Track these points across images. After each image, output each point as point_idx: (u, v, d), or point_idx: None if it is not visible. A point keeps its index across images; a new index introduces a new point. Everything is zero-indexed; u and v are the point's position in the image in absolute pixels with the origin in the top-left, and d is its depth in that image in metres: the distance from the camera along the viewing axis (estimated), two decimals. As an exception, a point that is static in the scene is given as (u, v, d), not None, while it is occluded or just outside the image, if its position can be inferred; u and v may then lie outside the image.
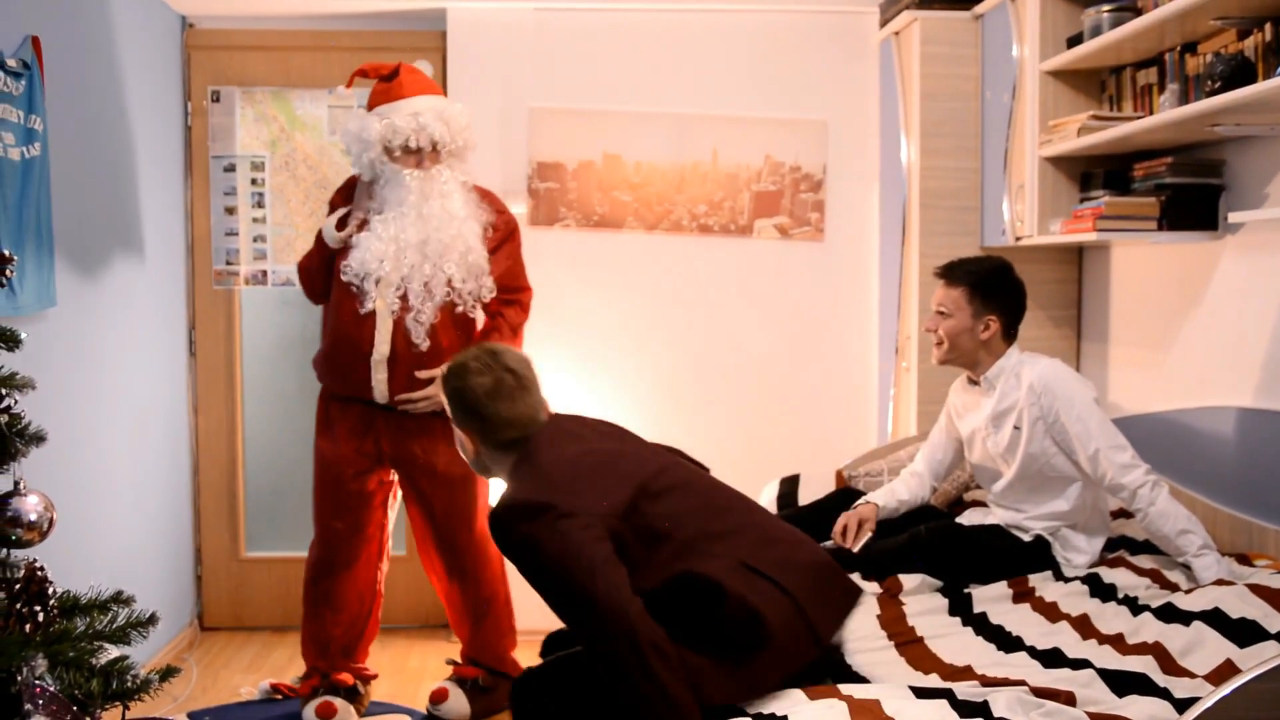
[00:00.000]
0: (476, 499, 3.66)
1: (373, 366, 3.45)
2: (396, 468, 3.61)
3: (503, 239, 3.61)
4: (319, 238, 3.58)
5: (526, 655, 4.13)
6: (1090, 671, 2.23)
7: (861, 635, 2.60)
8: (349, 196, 3.60)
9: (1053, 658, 2.38)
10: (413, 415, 3.53)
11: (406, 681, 3.98)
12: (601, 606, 2.19)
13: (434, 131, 3.42)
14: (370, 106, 3.52)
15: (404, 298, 3.42)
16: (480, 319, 3.62)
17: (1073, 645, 2.44)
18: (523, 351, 2.69)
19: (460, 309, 3.50)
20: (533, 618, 4.38)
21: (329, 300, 3.58)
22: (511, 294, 3.66)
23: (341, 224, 3.52)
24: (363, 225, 3.48)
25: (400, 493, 3.71)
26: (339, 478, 3.56)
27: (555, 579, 2.27)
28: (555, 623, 2.49)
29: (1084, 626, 2.55)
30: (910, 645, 2.54)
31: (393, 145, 3.42)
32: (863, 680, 2.37)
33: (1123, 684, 2.17)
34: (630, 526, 2.33)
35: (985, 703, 2.06)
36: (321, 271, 3.58)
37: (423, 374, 3.47)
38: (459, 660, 3.78)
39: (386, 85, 3.51)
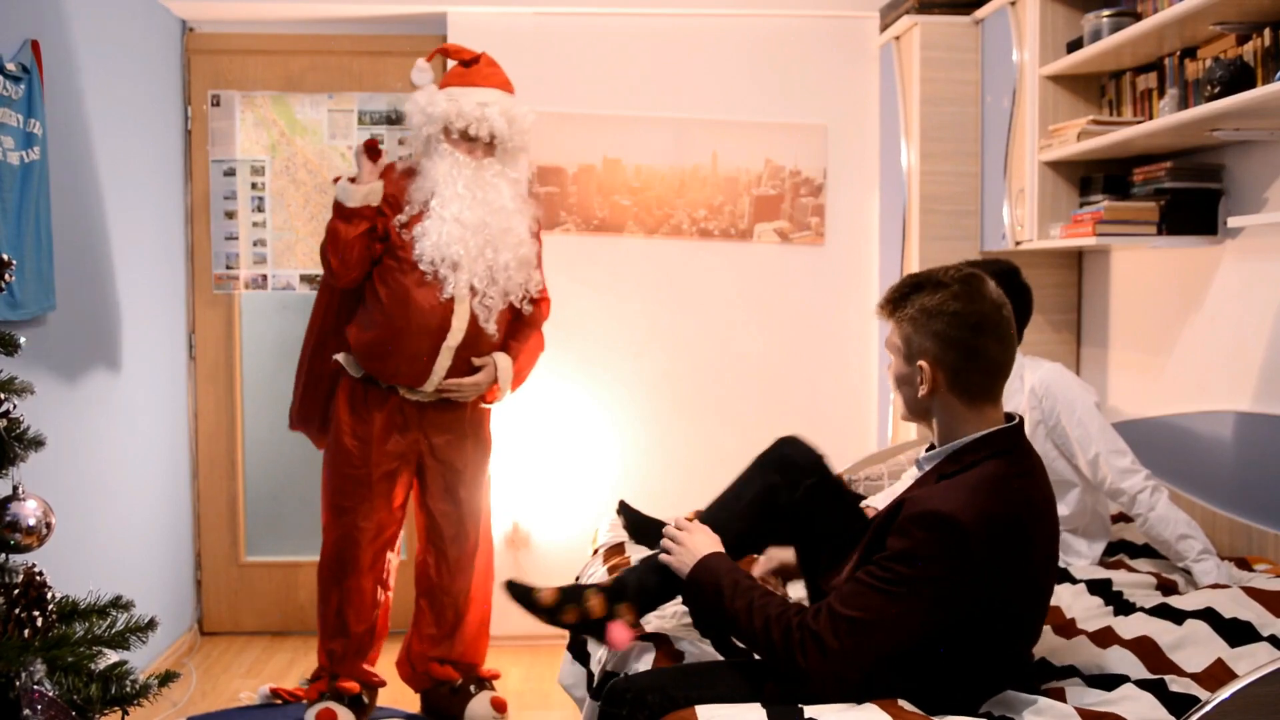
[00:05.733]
0: (485, 494, 3.69)
1: (442, 352, 3.42)
2: (419, 458, 3.60)
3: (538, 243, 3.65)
4: (340, 210, 3.43)
5: (496, 660, 4.13)
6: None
7: None
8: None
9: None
10: (444, 406, 3.54)
11: (402, 684, 3.96)
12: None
13: (495, 125, 3.40)
14: (443, 86, 3.50)
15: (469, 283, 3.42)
16: (528, 312, 3.60)
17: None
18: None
19: (510, 298, 3.51)
20: (512, 624, 4.37)
21: (378, 284, 3.44)
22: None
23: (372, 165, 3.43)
24: (420, 216, 3.42)
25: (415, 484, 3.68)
26: (366, 470, 3.51)
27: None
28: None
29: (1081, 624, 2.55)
30: None
31: (453, 128, 3.42)
32: None
33: (1114, 678, 2.18)
34: None
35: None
36: (359, 247, 3.42)
37: (479, 360, 3.48)
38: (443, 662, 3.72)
39: (464, 70, 3.51)
